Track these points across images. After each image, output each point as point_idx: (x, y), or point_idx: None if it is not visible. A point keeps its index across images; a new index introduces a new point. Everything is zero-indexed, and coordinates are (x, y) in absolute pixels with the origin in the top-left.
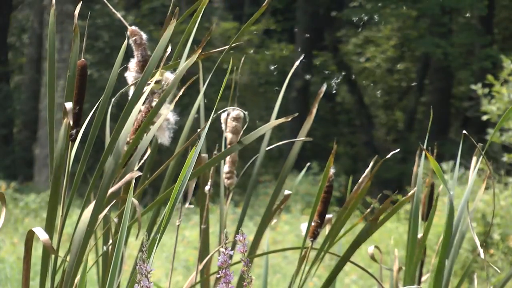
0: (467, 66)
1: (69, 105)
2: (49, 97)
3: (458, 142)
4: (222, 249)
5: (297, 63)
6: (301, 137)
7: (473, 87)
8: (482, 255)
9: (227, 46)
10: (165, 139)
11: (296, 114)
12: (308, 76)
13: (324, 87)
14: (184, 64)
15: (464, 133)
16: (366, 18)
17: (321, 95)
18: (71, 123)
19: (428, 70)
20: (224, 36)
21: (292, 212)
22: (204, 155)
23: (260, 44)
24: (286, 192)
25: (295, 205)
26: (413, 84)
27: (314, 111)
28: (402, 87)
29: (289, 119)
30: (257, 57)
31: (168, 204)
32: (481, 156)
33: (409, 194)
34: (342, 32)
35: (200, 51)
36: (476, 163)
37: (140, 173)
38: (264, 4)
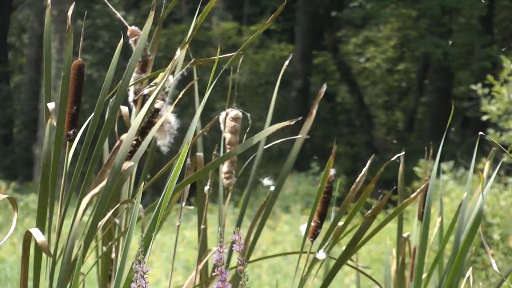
0: (468, 66)
1: (51, 105)
2: (45, 98)
3: (458, 143)
4: (215, 248)
5: (286, 62)
6: (301, 138)
7: (473, 87)
8: (495, 267)
9: (228, 54)
10: (165, 143)
11: (300, 118)
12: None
13: (324, 88)
14: (184, 68)
15: (460, 132)
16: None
17: (322, 95)
18: (55, 123)
19: (428, 70)
20: (224, 36)
21: (292, 212)
22: (200, 153)
23: (260, 44)
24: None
25: (295, 205)
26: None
27: (314, 111)
28: (402, 87)
29: (293, 122)
30: (257, 57)
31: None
32: (487, 158)
33: (412, 196)
34: (342, 32)
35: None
36: (490, 167)
37: (132, 163)
38: (268, 20)
